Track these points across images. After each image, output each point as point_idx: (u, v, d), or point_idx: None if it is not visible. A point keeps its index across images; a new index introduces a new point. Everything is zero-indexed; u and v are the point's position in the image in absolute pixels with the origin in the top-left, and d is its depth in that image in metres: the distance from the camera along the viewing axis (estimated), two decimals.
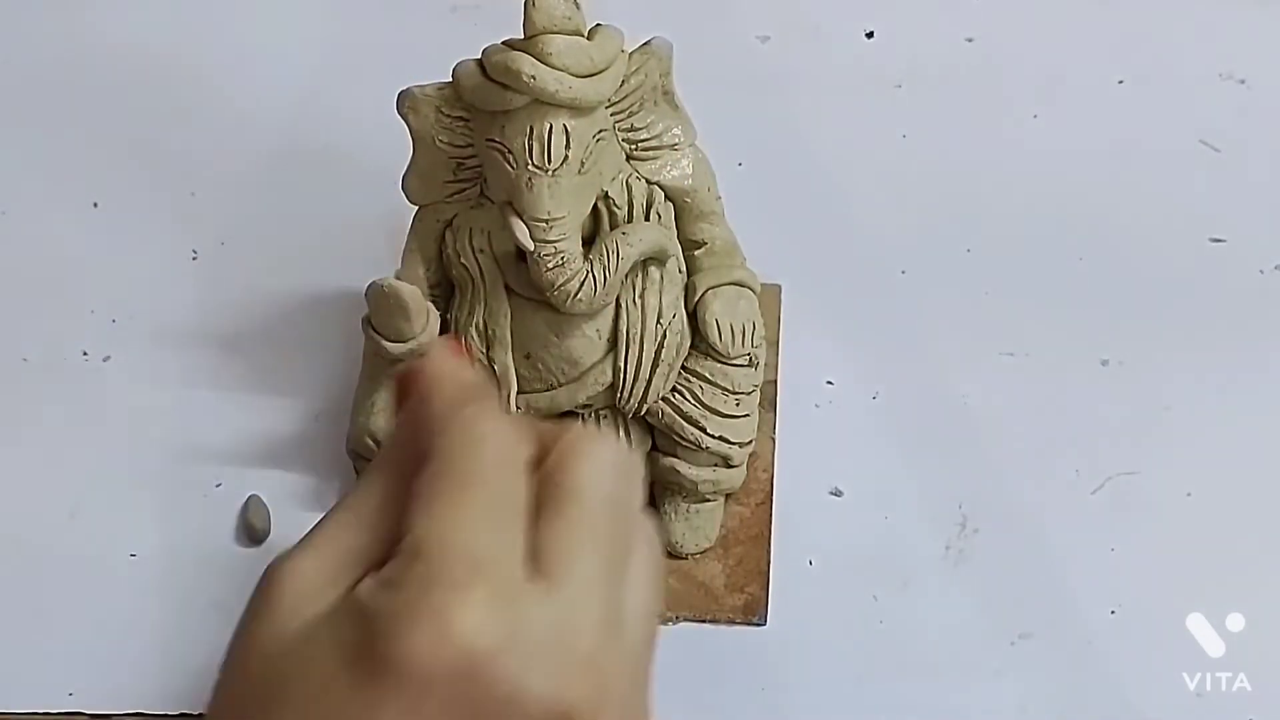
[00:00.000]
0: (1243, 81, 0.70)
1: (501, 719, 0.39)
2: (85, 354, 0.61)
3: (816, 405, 0.60)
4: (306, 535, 0.43)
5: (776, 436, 0.59)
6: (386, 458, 0.44)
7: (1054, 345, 0.62)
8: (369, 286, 0.54)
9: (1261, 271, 0.64)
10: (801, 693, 0.54)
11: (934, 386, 0.61)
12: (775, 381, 0.60)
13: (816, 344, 0.61)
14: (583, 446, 0.42)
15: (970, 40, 0.71)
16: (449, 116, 0.52)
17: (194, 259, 0.64)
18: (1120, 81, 0.70)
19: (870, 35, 0.72)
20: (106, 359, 0.61)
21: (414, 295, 0.54)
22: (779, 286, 0.62)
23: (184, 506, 0.57)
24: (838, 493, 0.58)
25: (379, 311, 0.54)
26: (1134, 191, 0.66)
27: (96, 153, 0.67)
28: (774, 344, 0.60)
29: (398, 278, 0.55)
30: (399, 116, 0.52)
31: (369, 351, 0.57)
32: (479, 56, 0.51)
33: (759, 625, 0.55)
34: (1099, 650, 0.54)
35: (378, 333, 0.55)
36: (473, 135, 0.52)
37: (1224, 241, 0.65)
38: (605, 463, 0.42)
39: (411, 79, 0.53)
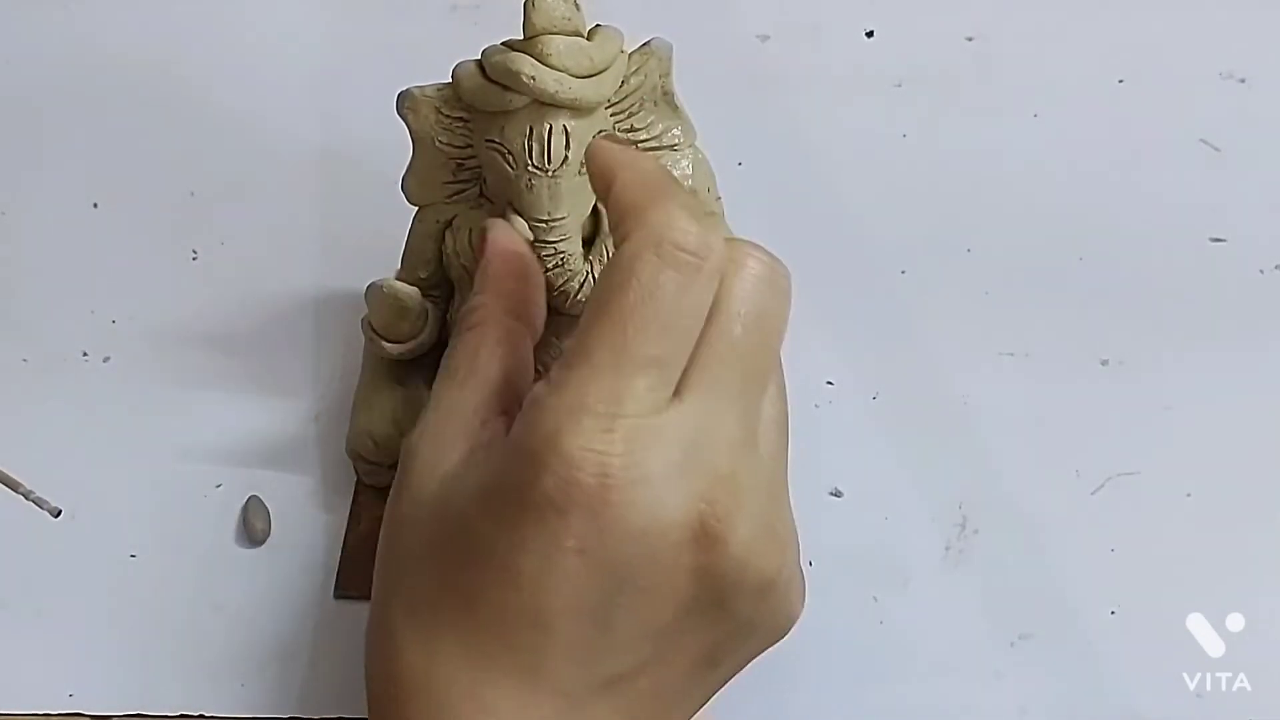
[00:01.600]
0: (1243, 81, 0.70)
1: (641, 545, 0.41)
2: (85, 354, 0.61)
3: (816, 405, 0.60)
4: (429, 406, 0.46)
5: None
6: (483, 312, 0.47)
7: (1054, 345, 0.62)
8: (368, 287, 0.54)
9: (1261, 271, 0.64)
10: (801, 693, 0.54)
11: (934, 386, 0.61)
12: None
13: (816, 344, 0.61)
14: (738, 257, 0.43)
15: (970, 40, 0.71)
16: (449, 117, 0.52)
17: (194, 259, 0.64)
18: (1120, 81, 0.70)
19: (870, 35, 0.71)
20: (106, 359, 0.61)
21: (413, 296, 0.54)
22: None
23: (184, 507, 0.57)
24: (838, 493, 0.58)
25: (379, 312, 0.54)
26: (1134, 191, 0.66)
27: (96, 153, 0.67)
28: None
29: (397, 278, 0.55)
30: (399, 117, 0.52)
31: (369, 352, 0.57)
32: (479, 57, 0.51)
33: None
34: (1099, 650, 0.54)
35: (377, 333, 0.55)
36: (472, 136, 0.52)
37: (1224, 241, 0.65)
38: (757, 277, 0.43)
39: (411, 79, 0.54)
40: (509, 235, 0.50)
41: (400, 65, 0.54)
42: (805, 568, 0.56)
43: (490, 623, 0.43)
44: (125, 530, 0.57)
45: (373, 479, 0.56)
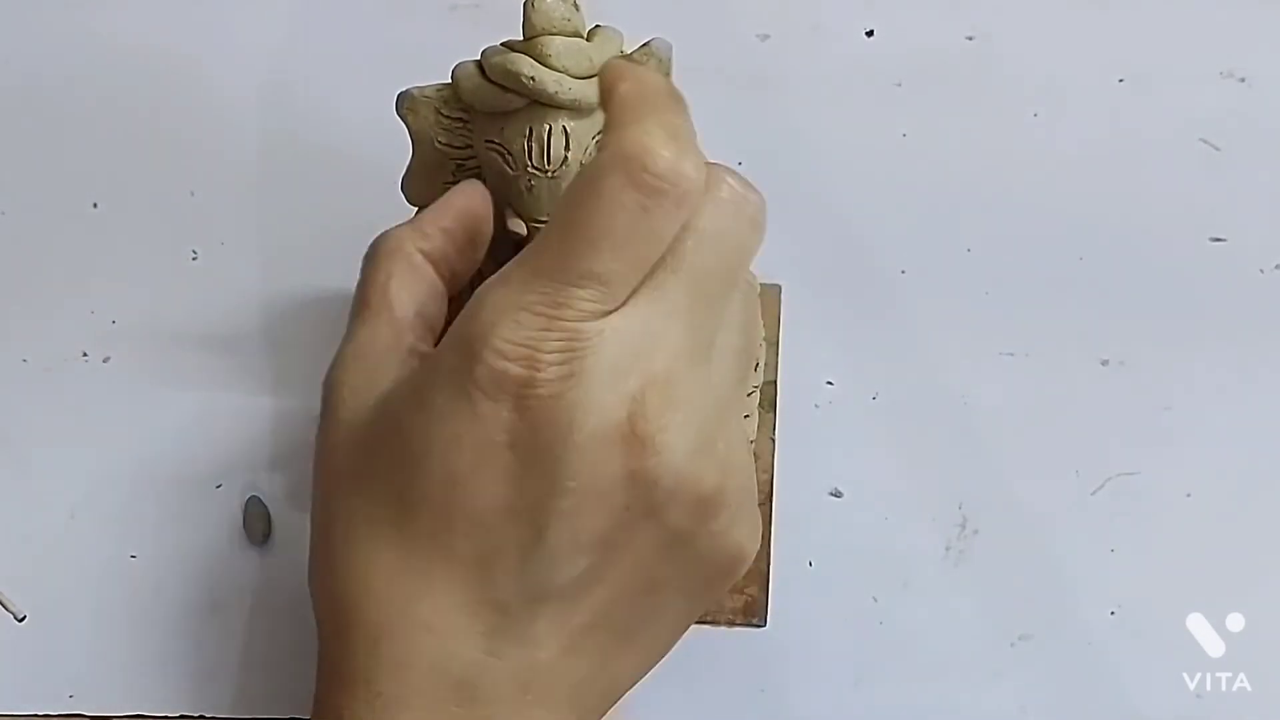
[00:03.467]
0: (1243, 80, 0.70)
1: (570, 443, 0.41)
2: (85, 354, 0.61)
3: (816, 405, 0.60)
4: (346, 338, 0.48)
5: (776, 437, 0.59)
6: (392, 243, 0.50)
7: (1054, 345, 0.62)
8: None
9: (1261, 271, 0.64)
10: (801, 693, 0.54)
11: (934, 386, 0.61)
12: (775, 382, 0.60)
13: (816, 344, 0.61)
14: (712, 182, 0.43)
15: (970, 40, 0.71)
16: (448, 118, 0.52)
17: (194, 259, 0.64)
18: (1120, 81, 0.70)
19: (870, 34, 0.71)
20: (106, 359, 0.61)
21: None
22: (779, 287, 0.62)
23: (184, 507, 0.57)
24: (838, 493, 0.58)
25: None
26: (1134, 191, 0.66)
27: (96, 153, 0.67)
28: (774, 344, 0.60)
29: None
30: (398, 117, 0.52)
31: None
32: (478, 57, 0.51)
33: (759, 626, 0.55)
34: (1099, 650, 0.55)
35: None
36: (472, 136, 0.52)
37: (1224, 241, 0.65)
38: (724, 200, 0.43)
39: (411, 79, 0.54)
40: (473, 194, 0.51)
41: (400, 65, 0.54)
42: (805, 568, 0.57)
43: (426, 530, 0.43)
44: (125, 530, 0.57)
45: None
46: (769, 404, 0.59)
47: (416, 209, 0.54)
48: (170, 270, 0.64)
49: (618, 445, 0.42)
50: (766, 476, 0.58)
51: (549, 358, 0.41)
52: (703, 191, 0.43)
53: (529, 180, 0.50)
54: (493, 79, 0.50)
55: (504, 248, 0.54)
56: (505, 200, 0.51)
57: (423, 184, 0.54)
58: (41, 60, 0.70)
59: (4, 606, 0.54)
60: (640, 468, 0.42)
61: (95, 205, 0.65)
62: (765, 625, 0.55)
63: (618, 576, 0.43)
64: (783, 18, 0.72)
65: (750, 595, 0.56)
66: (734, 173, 0.44)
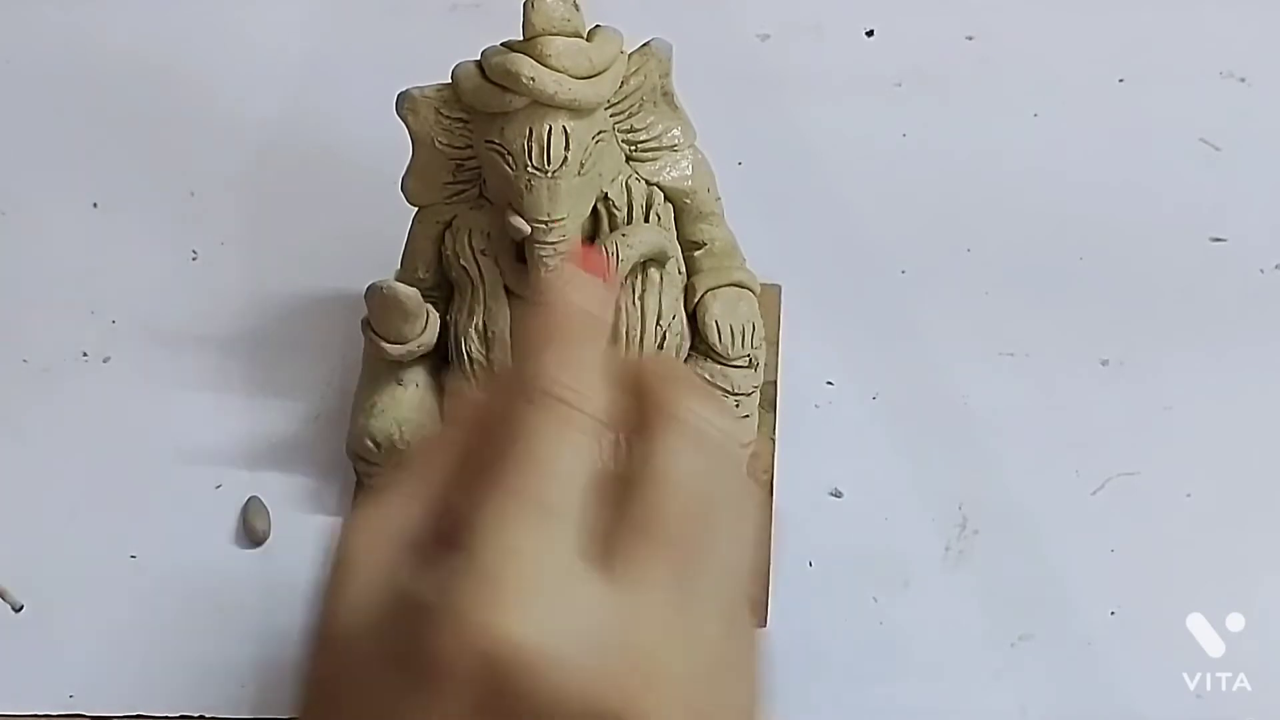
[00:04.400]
0: (1243, 80, 0.70)
1: (545, 715, 0.36)
2: (85, 354, 0.61)
3: (816, 405, 0.60)
4: (367, 506, 0.40)
5: (776, 437, 0.59)
6: (462, 417, 0.40)
7: (1054, 345, 0.62)
8: (368, 288, 0.54)
9: (1261, 271, 0.64)
10: (801, 693, 0.54)
11: (934, 386, 0.61)
12: (775, 382, 0.60)
13: (816, 344, 0.61)
14: (673, 421, 0.38)
15: (970, 40, 0.71)
16: (448, 118, 0.52)
17: (194, 259, 0.64)
18: (1120, 81, 0.70)
19: (870, 34, 0.71)
20: (106, 359, 0.61)
21: (413, 297, 0.54)
22: (779, 287, 0.62)
23: (184, 508, 0.57)
24: (838, 493, 0.58)
25: (378, 313, 0.54)
26: (1134, 191, 0.66)
27: (96, 153, 0.67)
28: (774, 344, 0.60)
29: (397, 279, 0.55)
30: (398, 117, 0.52)
31: (368, 353, 0.57)
32: (478, 57, 0.51)
33: (759, 626, 0.55)
34: (1099, 650, 0.55)
35: (377, 334, 0.55)
36: (472, 137, 0.52)
37: (1224, 241, 0.65)
38: (692, 445, 0.38)
39: (411, 79, 0.54)
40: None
41: (400, 65, 0.54)
42: (805, 567, 0.57)
43: None
44: (125, 530, 0.57)
45: (373, 479, 0.56)
46: (769, 404, 0.59)
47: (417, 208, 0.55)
48: (170, 270, 0.64)
49: None
50: (767, 477, 0.58)
51: (516, 630, 0.35)
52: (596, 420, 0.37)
53: (529, 180, 0.50)
54: (493, 79, 0.50)
55: (504, 246, 0.54)
56: (505, 200, 0.51)
57: (423, 184, 0.54)
58: (42, 62, 0.70)
59: (2, 597, 0.54)
60: None
61: (95, 205, 0.65)
62: (765, 625, 0.55)
63: None
64: (783, 18, 0.72)
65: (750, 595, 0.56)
66: (694, 405, 0.38)
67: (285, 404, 0.60)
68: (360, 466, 0.57)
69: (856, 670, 0.54)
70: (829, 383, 0.61)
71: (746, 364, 0.56)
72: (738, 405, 0.56)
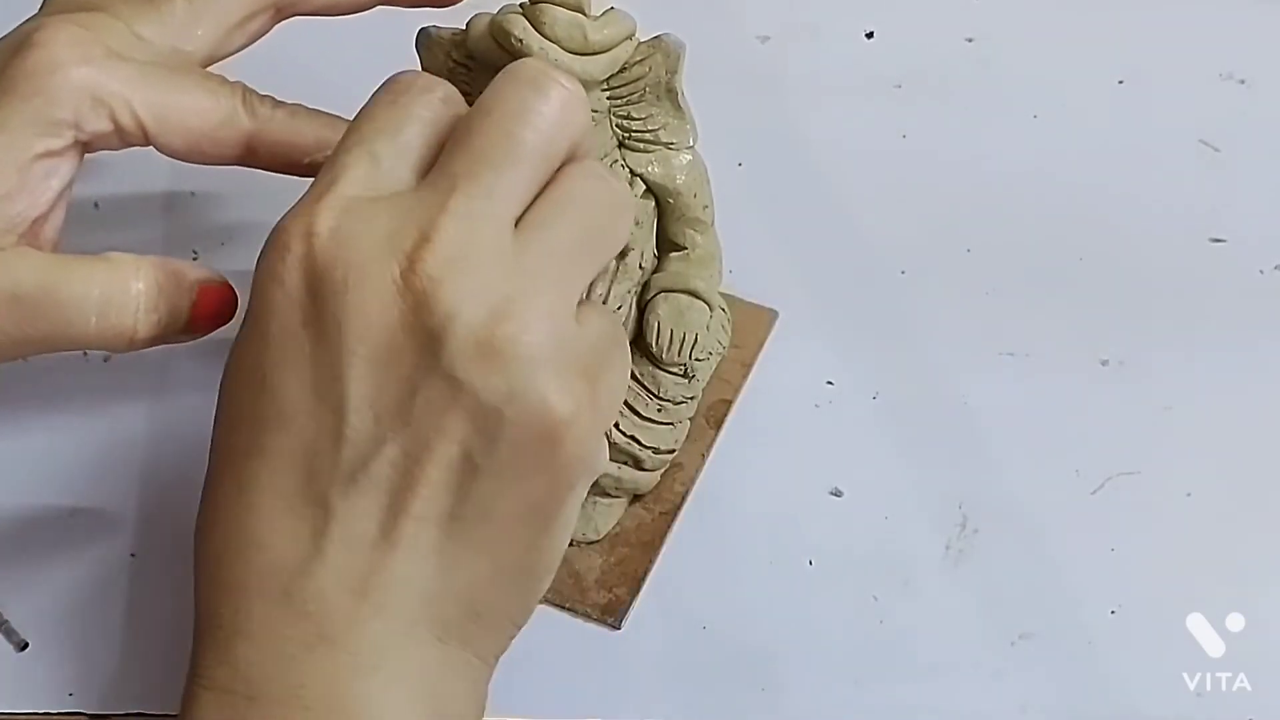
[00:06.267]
0: (1243, 81, 0.70)
1: (344, 293, 0.42)
2: (85, 354, 0.61)
3: (816, 405, 0.60)
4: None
5: (711, 455, 0.58)
6: None
7: (1054, 345, 0.62)
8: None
9: (1261, 271, 0.64)
10: (801, 693, 0.54)
11: (934, 386, 0.61)
12: (731, 401, 0.59)
13: (817, 344, 0.61)
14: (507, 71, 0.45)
15: (970, 40, 0.71)
16: (455, 62, 0.53)
17: (194, 258, 0.64)
18: (1120, 81, 0.70)
19: (870, 35, 0.71)
20: (107, 359, 0.61)
21: None
22: (775, 312, 0.62)
23: (184, 507, 0.57)
24: (838, 493, 0.58)
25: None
26: (1134, 191, 0.66)
27: (96, 152, 0.67)
28: (746, 366, 0.60)
29: None
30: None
31: None
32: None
33: (615, 629, 0.55)
34: (1099, 650, 0.54)
35: None
36: (472, 85, 0.52)
37: (1224, 241, 0.65)
38: (509, 77, 0.45)
39: None
40: None
41: (401, 65, 0.54)
42: (805, 567, 0.57)
43: (246, 441, 0.43)
44: (125, 530, 0.57)
45: None
46: (715, 423, 0.59)
47: None
48: None
49: (394, 302, 0.41)
50: (683, 490, 0.58)
51: (321, 225, 0.42)
52: (442, 87, 0.46)
53: None
54: (492, 33, 0.50)
55: None
56: None
57: None
58: None
59: (7, 636, 0.54)
60: (418, 322, 0.41)
61: (96, 206, 0.65)
62: (621, 629, 0.55)
63: (431, 458, 0.42)
64: (783, 19, 0.72)
65: (616, 595, 0.55)
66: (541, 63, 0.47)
67: None
68: None
69: (856, 670, 0.54)
70: (829, 383, 0.61)
71: (681, 372, 0.55)
72: (660, 410, 0.55)
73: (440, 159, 0.44)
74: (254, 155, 0.52)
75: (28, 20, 0.52)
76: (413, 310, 0.41)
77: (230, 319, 0.52)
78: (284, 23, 0.56)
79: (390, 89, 0.46)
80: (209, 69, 0.53)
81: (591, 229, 0.45)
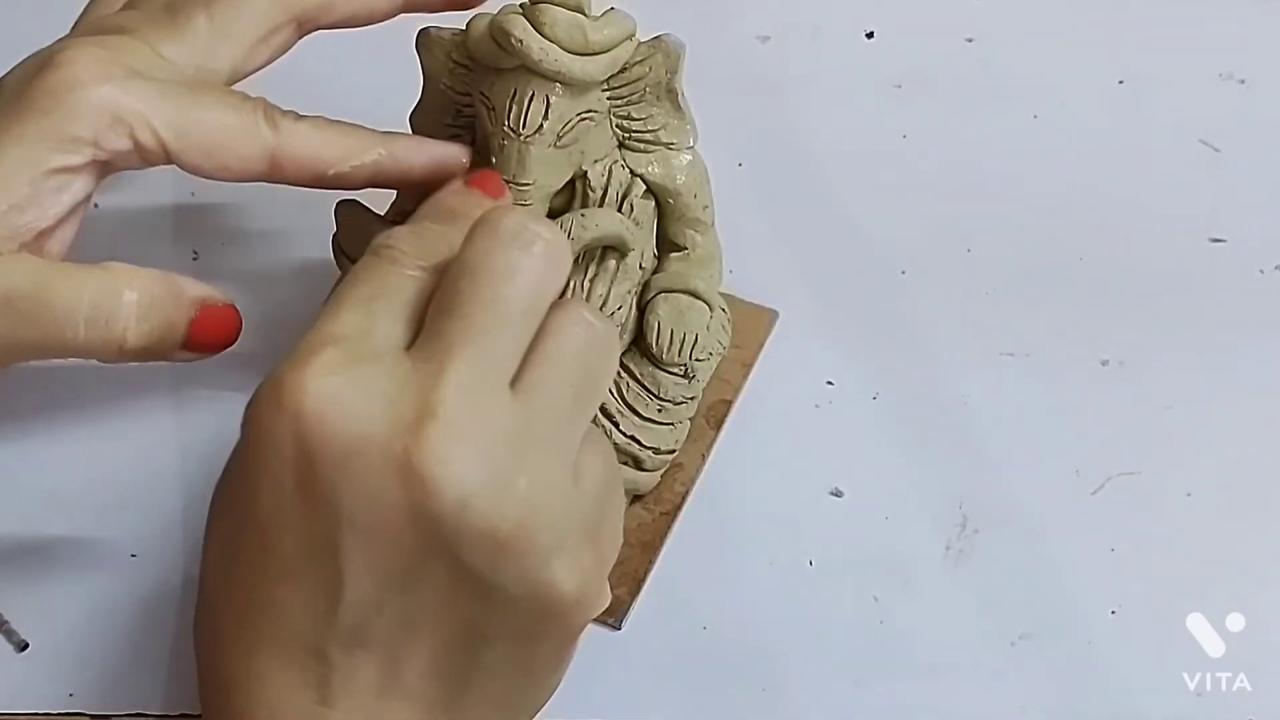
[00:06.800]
0: (1243, 81, 0.70)
1: (348, 474, 0.41)
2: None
3: (816, 405, 0.60)
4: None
5: (711, 455, 0.58)
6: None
7: (1054, 345, 0.62)
8: (338, 205, 0.55)
9: (1261, 271, 0.64)
10: (801, 693, 0.54)
11: (934, 386, 0.61)
12: (731, 402, 0.59)
13: (817, 344, 0.61)
14: (479, 223, 0.44)
15: (970, 40, 0.71)
16: (455, 63, 0.53)
17: (194, 259, 0.64)
18: (1120, 81, 0.70)
19: (870, 35, 0.72)
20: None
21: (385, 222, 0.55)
22: (776, 313, 0.62)
23: (184, 507, 0.57)
24: (838, 493, 0.58)
25: (348, 230, 0.55)
26: (1134, 192, 0.66)
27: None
28: (746, 366, 0.60)
29: (388, 211, 0.56)
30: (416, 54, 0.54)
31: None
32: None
33: (615, 629, 0.55)
34: (1099, 650, 0.55)
35: (349, 256, 0.55)
36: (471, 85, 0.52)
37: (1224, 241, 0.65)
38: (482, 233, 0.44)
39: (411, 78, 0.54)
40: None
41: (403, 64, 0.54)
42: (805, 567, 0.57)
43: (251, 577, 0.43)
44: (125, 530, 0.57)
45: None
46: (715, 423, 0.59)
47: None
48: (170, 270, 0.63)
49: (395, 480, 0.41)
50: (683, 490, 0.58)
51: (315, 384, 0.41)
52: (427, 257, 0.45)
53: (502, 139, 0.51)
54: (492, 33, 0.50)
55: None
56: (486, 157, 0.52)
57: (427, 122, 0.55)
58: None
59: (8, 636, 0.54)
60: (421, 504, 0.41)
61: (96, 205, 0.65)
62: (622, 629, 0.55)
63: (432, 622, 0.42)
64: (783, 19, 0.72)
65: (617, 596, 0.54)
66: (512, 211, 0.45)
67: None
68: None
69: (856, 670, 0.54)
70: (829, 383, 0.61)
71: (681, 372, 0.56)
72: (660, 410, 0.55)
73: (429, 321, 0.43)
74: (279, 170, 0.51)
75: (55, 42, 0.52)
76: (416, 492, 0.41)
77: (234, 342, 0.52)
78: (305, 38, 0.56)
79: (375, 249, 0.46)
80: (234, 86, 0.53)
81: (586, 380, 0.44)
